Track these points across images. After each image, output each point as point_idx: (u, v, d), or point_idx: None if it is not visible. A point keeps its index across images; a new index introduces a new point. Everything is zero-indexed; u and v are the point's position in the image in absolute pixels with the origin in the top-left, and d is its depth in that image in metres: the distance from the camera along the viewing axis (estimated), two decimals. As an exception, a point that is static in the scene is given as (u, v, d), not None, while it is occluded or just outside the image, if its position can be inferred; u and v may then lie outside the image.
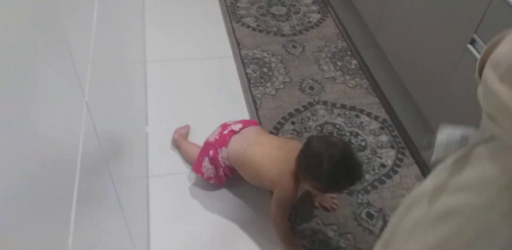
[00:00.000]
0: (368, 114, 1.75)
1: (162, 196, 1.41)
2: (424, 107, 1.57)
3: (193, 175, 1.46)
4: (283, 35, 2.12)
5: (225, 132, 1.35)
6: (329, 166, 1.10)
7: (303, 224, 1.37)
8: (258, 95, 1.78)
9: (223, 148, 1.32)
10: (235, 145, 1.31)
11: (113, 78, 0.98)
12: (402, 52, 1.70)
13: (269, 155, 1.25)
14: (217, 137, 1.35)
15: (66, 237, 0.49)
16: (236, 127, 1.36)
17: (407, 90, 1.67)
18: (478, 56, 1.15)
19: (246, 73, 1.88)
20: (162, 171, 1.48)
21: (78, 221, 0.53)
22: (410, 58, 1.64)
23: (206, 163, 1.36)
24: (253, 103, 1.73)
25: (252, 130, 1.37)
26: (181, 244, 1.30)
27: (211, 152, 1.34)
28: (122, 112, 1.06)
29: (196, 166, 1.39)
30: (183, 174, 1.47)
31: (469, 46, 1.21)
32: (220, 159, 1.32)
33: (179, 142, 1.52)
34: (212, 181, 1.38)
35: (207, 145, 1.37)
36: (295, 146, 1.22)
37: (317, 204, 1.41)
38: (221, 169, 1.34)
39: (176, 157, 1.53)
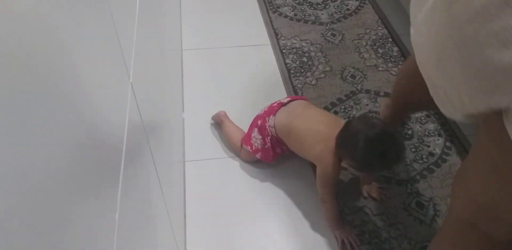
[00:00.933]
0: (413, 102, 1.70)
1: (198, 181, 1.42)
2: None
3: (228, 160, 1.48)
4: (321, 23, 2.08)
5: (274, 104, 1.39)
6: (364, 146, 1.08)
7: (352, 215, 1.35)
8: (299, 85, 1.76)
9: (271, 116, 1.35)
10: (282, 115, 1.34)
11: (152, 64, 0.99)
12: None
13: (314, 130, 1.25)
14: (266, 109, 1.40)
15: (114, 212, 0.51)
16: (285, 100, 1.40)
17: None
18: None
19: (286, 63, 1.86)
20: (198, 156, 1.49)
21: (124, 198, 0.54)
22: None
23: (255, 134, 1.39)
24: (294, 93, 1.72)
25: (300, 103, 1.38)
26: (216, 227, 1.31)
27: (259, 121, 1.38)
28: (160, 98, 1.07)
29: (245, 138, 1.42)
30: (218, 159, 1.48)
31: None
32: (267, 127, 1.35)
33: (224, 117, 1.53)
34: (259, 155, 1.39)
35: (257, 117, 1.42)
36: (340, 124, 1.21)
37: (365, 194, 1.39)
38: (268, 138, 1.35)
39: (211, 143, 1.54)
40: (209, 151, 1.51)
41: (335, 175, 1.21)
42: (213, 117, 1.58)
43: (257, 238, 1.29)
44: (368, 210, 1.37)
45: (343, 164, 1.18)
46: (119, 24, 0.64)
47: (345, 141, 1.14)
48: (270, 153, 1.38)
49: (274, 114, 1.34)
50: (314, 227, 1.32)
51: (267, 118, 1.35)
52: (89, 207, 0.43)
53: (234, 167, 1.46)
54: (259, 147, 1.38)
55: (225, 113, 1.55)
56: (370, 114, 1.64)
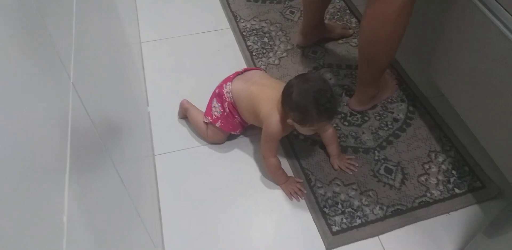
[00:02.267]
0: (375, 71, 1.74)
1: (169, 173, 1.45)
2: (425, 58, 1.55)
3: (198, 149, 1.51)
4: (279, 2, 2.09)
5: (231, 74, 1.45)
6: (298, 94, 1.17)
7: (324, 188, 1.40)
8: (263, 66, 1.78)
9: (228, 83, 1.41)
10: (239, 81, 1.40)
11: (103, 62, 0.99)
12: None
13: (267, 94, 1.32)
14: (224, 79, 1.45)
15: (61, 214, 0.51)
16: (240, 70, 1.46)
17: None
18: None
19: (247, 46, 1.88)
20: (167, 149, 1.52)
21: (74, 200, 0.55)
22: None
23: (214, 103, 1.44)
24: (258, 75, 1.74)
25: (256, 72, 1.45)
26: (192, 215, 1.35)
27: (217, 90, 1.44)
28: (116, 95, 1.07)
29: (207, 110, 1.47)
30: (188, 150, 1.51)
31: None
32: (225, 93, 1.40)
33: (187, 105, 1.56)
34: (218, 124, 1.43)
35: (216, 88, 1.47)
36: None
37: (336, 167, 1.44)
38: (226, 104, 1.41)
39: (179, 134, 1.56)
40: (178, 142, 1.53)
41: (277, 132, 1.28)
42: (179, 114, 1.60)
43: (234, 222, 1.34)
44: (339, 181, 1.42)
45: (289, 121, 1.23)
46: (51, 24, 0.64)
47: (285, 93, 1.22)
48: (229, 120, 1.43)
49: (231, 81, 1.40)
50: (288, 204, 1.37)
51: (224, 85, 1.41)
52: (27, 211, 0.44)
53: (204, 155, 1.50)
54: (218, 115, 1.43)
55: (187, 101, 1.57)
56: (333, 88, 1.67)
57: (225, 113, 1.42)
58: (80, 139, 0.66)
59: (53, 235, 0.49)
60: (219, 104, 1.43)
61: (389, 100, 1.63)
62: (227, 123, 1.44)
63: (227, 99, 1.40)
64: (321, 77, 1.26)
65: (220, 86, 1.43)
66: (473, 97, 1.28)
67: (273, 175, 1.40)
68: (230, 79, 1.42)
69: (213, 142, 1.51)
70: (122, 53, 1.35)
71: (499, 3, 1.06)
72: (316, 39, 1.85)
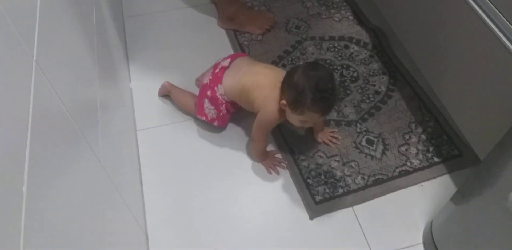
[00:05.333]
0: (357, 43, 1.75)
1: (151, 148, 1.47)
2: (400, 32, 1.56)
3: (181, 124, 1.53)
4: (261, -23, 2.08)
5: (217, 70, 1.40)
6: (301, 74, 1.16)
7: (307, 160, 1.44)
8: (245, 42, 1.79)
9: (219, 85, 1.38)
10: (229, 79, 1.37)
11: (76, 40, 0.98)
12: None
13: (260, 83, 1.31)
14: (211, 77, 1.41)
15: (21, 185, 0.51)
16: (226, 63, 1.41)
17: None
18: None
19: (231, 22, 1.88)
20: (150, 124, 1.53)
21: (35, 172, 0.55)
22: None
23: (207, 104, 1.41)
24: (241, 51, 1.75)
25: (242, 62, 1.41)
26: (173, 189, 1.38)
27: (208, 92, 1.40)
28: (95, 72, 1.07)
29: (199, 109, 1.44)
30: (170, 125, 1.53)
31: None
32: (219, 96, 1.38)
33: (170, 87, 1.56)
34: (216, 123, 1.44)
35: (203, 87, 1.43)
36: (284, 74, 1.27)
37: (319, 140, 1.47)
38: (223, 106, 1.40)
39: (162, 109, 1.57)
40: (161, 117, 1.55)
41: (273, 120, 1.28)
42: (159, 93, 1.61)
43: (218, 196, 1.37)
44: (322, 153, 1.45)
45: (282, 104, 1.21)
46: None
47: (289, 73, 1.22)
48: (226, 117, 1.44)
49: (221, 83, 1.37)
50: (272, 178, 1.41)
51: (215, 88, 1.38)
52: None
53: (187, 130, 1.51)
54: (214, 116, 1.42)
55: (169, 83, 1.57)
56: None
57: (221, 114, 1.42)
58: (48, 119, 0.66)
59: (9, 204, 0.49)
60: (213, 107, 1.40)
61: (371, 73, 1.65)
62: (223, 120, 1.44)
63: (223, 101, 1.39)
64: (330, 71, 1.23)
65: (211, 89, 1.38)
66: (441, 65, 1.30)
67: (257, 155, 1.42)
68: (219, 79, 1.37)
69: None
70: (104, 29, 1.34)
71: None
72: (231, 28, 1.85)
